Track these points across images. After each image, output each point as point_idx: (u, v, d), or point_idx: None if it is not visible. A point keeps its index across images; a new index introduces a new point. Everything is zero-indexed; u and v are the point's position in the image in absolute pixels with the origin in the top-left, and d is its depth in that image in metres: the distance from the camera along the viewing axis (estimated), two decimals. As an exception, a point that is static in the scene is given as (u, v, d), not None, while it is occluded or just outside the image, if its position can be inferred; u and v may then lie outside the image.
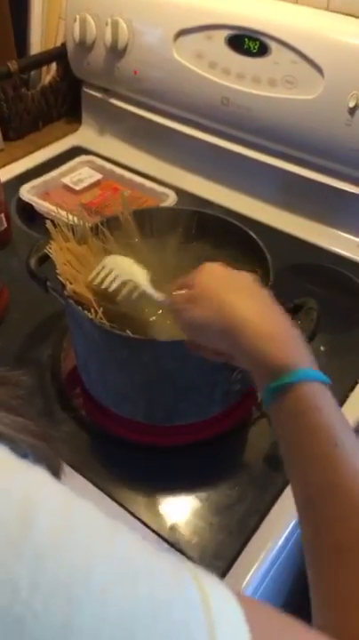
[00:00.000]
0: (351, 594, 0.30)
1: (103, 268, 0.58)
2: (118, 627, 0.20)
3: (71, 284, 0.57)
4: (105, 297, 0.56)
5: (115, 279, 0.56)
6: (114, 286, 0.56)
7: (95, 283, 0.56)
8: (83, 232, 0.63)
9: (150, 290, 0.54)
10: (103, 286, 0.56)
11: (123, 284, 0.55)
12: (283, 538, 0.55)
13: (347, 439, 0.35)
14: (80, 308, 0.55)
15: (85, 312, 0.55)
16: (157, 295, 0.53)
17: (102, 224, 0.63)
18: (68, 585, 0.19)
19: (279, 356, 0.38)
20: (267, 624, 0.24)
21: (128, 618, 0.20)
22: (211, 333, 0.43)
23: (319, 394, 0.37)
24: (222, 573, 0.51)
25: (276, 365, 0.38)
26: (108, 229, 0.64)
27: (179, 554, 0.53)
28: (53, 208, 0.89)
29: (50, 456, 0.38)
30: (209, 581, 0.22)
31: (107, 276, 0.56)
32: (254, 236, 0.63)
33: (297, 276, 0.84)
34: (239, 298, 0.42)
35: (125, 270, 0.57)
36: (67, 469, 0.58)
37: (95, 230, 0.63)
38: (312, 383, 0.37)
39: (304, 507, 0.35)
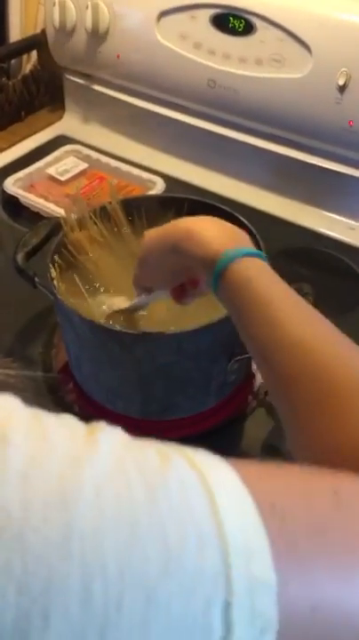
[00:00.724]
0: (309, 413, 0.34)
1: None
2: (119, 521, 0.20)
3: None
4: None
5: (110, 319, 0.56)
6: (118, 325, 0.56)
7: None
8: (83, 220, 0.62)
9: (131, 305, 0.54)
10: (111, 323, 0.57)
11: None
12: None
13: (283, 298, 0.38)
14: (70, 304, 0.54)
15: (76, 309, 0.53)
16: (136, 301, 0.53)
17: (95, 214, 0.62)
18: (62, 494, 0.20)
19: (215, 247, 0.41)
20: (265, 482, 0.25)
21: (127, 510, 0.20)
22: (163, 259, 0.46)
23: (251, 267, 0.40)
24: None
25: (212, 255, 0.41)
26: (96, 220, 0.62)
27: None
28: (39, 200, 0.87)
29: None
30: (201, 458, 0.23)
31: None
32: (246, 222, 0.61)
33: (289, 260, 0.83)
34: (173, 223, 0.46)
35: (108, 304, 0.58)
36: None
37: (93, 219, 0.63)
38: (243, 261, 0.40)
39: (259, 364, 0.39)
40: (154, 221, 0.65)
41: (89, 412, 0.63)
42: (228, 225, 0.45)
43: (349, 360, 0.35)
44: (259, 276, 0.40)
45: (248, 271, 0.40)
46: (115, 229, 0.65)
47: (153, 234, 0.47)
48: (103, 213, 0.64)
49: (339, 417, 0.32)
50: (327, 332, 0.37)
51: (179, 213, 0.66)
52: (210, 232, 0.43)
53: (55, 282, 0.57)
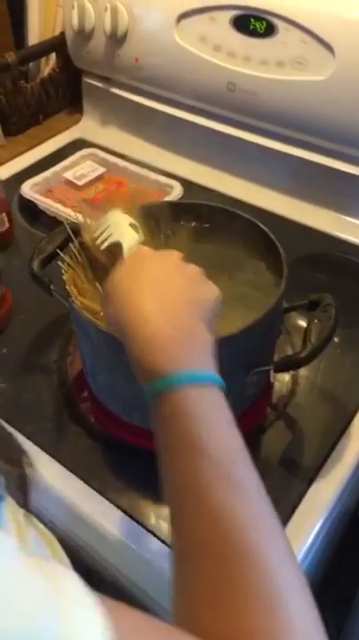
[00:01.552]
0: (194, 588, 0.31)
1: (105, 221, 0.55)
2: None
3: (79, 293, 0.55)
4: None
5: (107, 238, 0.53)
6: (104, 245, 0.53)
7: (96, 235, 0.54)
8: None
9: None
10: (97, 242, 0.53)
11: (113, 244, 0.52)
12: (304, 549, 0.52)
13: (215, 448, 0.35)
14: (85, 313, 0.53)
15: (91, 317, 0.52)
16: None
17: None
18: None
19: (157, 361, 0.37)
20: (136, 634, 0.25)
21: None
22: (116, 332, 0.43)
23: (195, 399, 0.36)
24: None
25: (153, 370, 0.37)
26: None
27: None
28: (57, 205, 0.87)
29: (16, 474, 0.37)
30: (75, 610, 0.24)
31: (104, 231, 0.54)
32: (267, 230, 0.59)
33: (308, 266, 0.81)
34: (143, 294, 0.41)
35: (119, 230, 0.54)
36: (73, 479, 0.56)
37: None
38: (189, 388, 0.36)
39: (168, 501, 0.36)
40: (172, 228, 0.64)
41: (104, 422, 0.62)
42: (181, 315, 0.40)
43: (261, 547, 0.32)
44: (198, 414, 0.36)
45: (187, 406, 0.36)
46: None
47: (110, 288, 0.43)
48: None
49: (232, 610, 0.29)
50: (256, 510, 0.34)
51: (199, 219, 0.64)
52: (153, 329, 0.38)
53: (68, 287, 0.56)
